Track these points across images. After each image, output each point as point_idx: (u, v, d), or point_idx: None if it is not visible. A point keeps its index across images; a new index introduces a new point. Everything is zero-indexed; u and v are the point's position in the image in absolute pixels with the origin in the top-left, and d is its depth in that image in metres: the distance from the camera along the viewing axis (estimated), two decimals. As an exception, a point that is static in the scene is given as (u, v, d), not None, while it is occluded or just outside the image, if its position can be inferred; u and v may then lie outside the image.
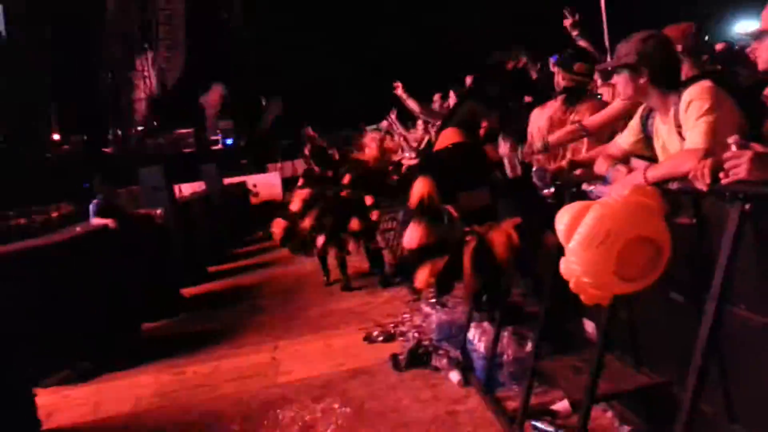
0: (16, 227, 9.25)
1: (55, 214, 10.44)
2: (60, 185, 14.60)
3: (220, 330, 5.88)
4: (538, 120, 4.03)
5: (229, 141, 24.60)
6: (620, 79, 2.43)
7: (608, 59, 4.63)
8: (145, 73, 22.80)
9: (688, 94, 2.25)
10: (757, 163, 1.77)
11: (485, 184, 3.82)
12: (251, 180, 17.49)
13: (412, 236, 3.58)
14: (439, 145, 3.79)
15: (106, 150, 22.35)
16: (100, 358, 5.05)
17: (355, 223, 6.41)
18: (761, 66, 2.31)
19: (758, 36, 2.30)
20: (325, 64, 24.77)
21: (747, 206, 1.78)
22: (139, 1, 22.63)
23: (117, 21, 22.42)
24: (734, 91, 2.29)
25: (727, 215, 1.84)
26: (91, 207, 6.38)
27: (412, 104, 6.63)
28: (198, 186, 12.83)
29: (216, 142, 24.29)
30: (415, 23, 23.66)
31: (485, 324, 4.01)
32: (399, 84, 6.53)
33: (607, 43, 5.01)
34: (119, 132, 23.03)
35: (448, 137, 3.72)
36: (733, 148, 1.84)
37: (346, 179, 6.62)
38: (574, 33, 4.75)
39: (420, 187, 3.62)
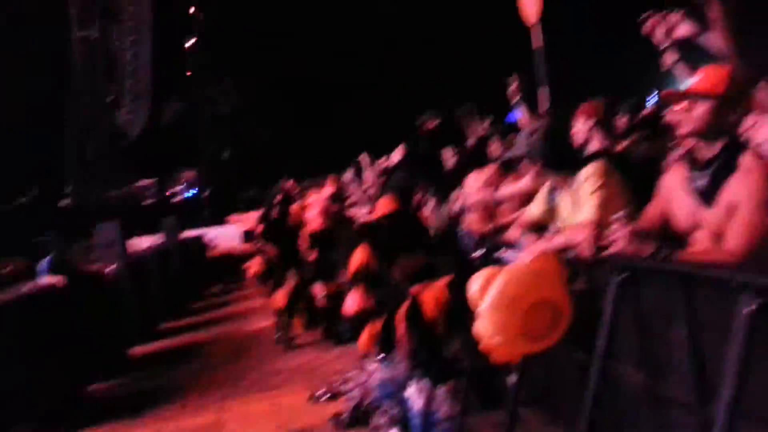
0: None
1: (7, 270, 10.22)
2: (13, 239, 14.34)
3: (168, 390, 5.85)
4: (473, 184, 4.30)
5: (192, 192, 24.58)
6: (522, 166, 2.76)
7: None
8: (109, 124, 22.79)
9: (585, 171, 2.54)
10: (635, 238, 2.01)
11: (423, 247, 4.02)
12: (211, 233, 17.47)
13: (351, 303, 3.77)
14: (376, 213, 4.01)
15: (62, 203, 22.05)
16: (43, 421, 4.98)
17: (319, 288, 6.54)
18: (685, 131, 2.24)
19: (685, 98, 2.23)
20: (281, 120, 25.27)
21: (624, 276, 2.01)
22: (104, 52, 22.76)
23: (83, 74, 22.47)
24: (625, 168, 2.56)
25: (610, 283, 2.07)
26: (41, 264, 6.37)
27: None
28: (156, 239, 12.79)
29: (178, 193, 24.31)
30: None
31: (423, 381, 4.14)
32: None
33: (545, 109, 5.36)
34: (77, 184, 22.79)
35: (385, 205, 3.94)
36: (615, 224, 2.08)
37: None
38: (516, 98, 5.11)
39: (358, 256, 3.84)
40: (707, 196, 2.04)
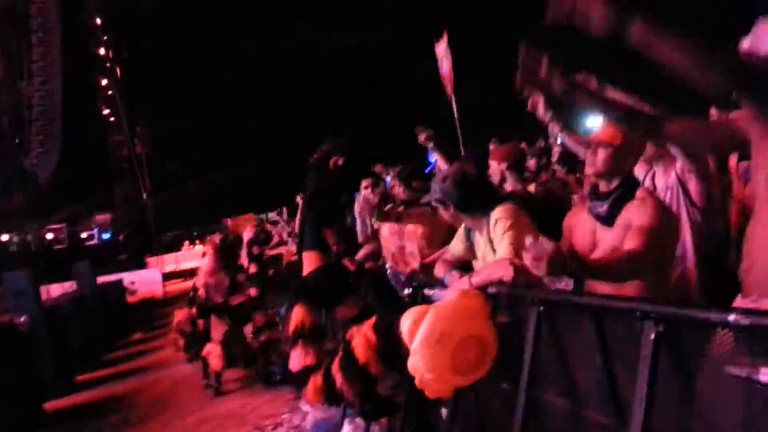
0: None
1: None
2: None
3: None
4: (386, 232, 4.49)
5: (106, 236, 23.62)
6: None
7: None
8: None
9: (496, 213, 2.77)
10: (552, 263, 2.17)
11: (354, 293, 4.11)
12: (129, 277, 16.82)
13: (296, 360, 3.82)
14: (305, 270, 4.07)
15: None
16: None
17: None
18: (589, 171, 2.52)
19: (589, 145, 2.55)
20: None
21: (541, 309, 2.18)
22: (11, 95, 21.74)
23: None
24: (532, 208, 2.82)
25: (529, 316, 2.23)
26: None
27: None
28: (69, 286, 12.17)
29: (91, 237, 23.25)
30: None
31: (357, 419, 4.18)
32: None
33: (462, 152, 5.66)
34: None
35: (310, 261, 4.01)
36: (531, 249, 2.23)
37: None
38: (429, 145, 5.35)
39: (297, 315, 3.93)
40: (606, 220, 2.37)
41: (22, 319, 6.87)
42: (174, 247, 25.36)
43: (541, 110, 2.92)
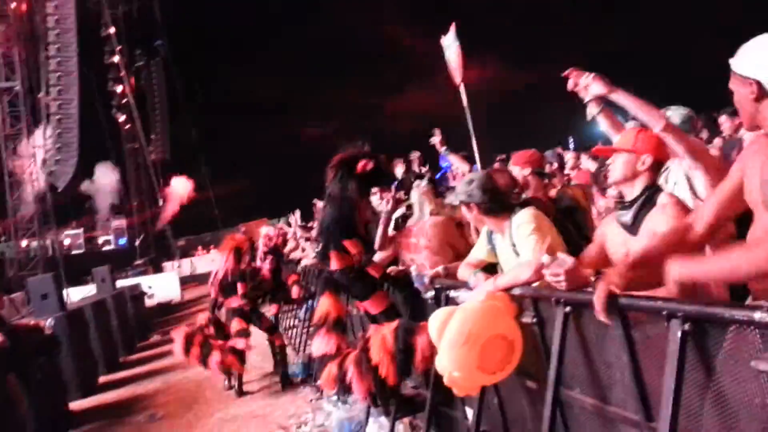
0: None
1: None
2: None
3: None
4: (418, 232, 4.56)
5: (122, 241, 23.88)
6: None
7: (477, 168, 5.32)
8: (33, 174, 21.93)
9: (518, 218, 2.84)
10: (573, 276, 2.25)
11: (381, 289, 4.18)
12: (146, 281, 17.00)
13: (320, 346, 3.91)
14: (332, 266, 4.10)
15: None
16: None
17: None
18: (611, 179, 2.60)
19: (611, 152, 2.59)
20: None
21: (567, 309, 2.25)
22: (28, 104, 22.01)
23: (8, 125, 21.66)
24: (551, 212, 2.92)
25: (555, 316, 2.29)
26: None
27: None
28: (89, 290, 12.34)
29: (108, 242, 23.55)
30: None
31: (382, 418, 4.26)
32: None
33: (476, 155, 5.69)
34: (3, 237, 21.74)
35: (337, 259, 4.04)
36: (551, 265, 2.30)
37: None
38: (442, 149, 5.43)
39: (323, 304, 4.02)
40: (632, 229, 2.39)
41: (48, 321, 7.00)
42: (188, 252, 25.64)
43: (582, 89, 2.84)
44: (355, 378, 3.65)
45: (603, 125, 2.93)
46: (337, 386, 3.86)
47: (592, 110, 2.89)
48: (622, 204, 2.48)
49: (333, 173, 4.11)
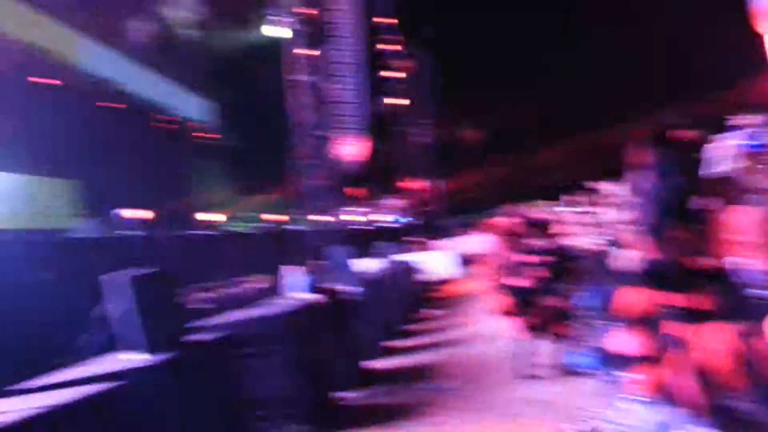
0: (226, 297, 10.36)
1: (255, 286, 11.43)
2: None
3: (407, 406, 6.14)
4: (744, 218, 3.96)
5: (401, 220, 25.92)
6: None
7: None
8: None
9: None
10: None
11: (700, 287, 3.77)
12: (419, 258, 18.10)
13: (631, 344, 3.65)
14: (642, 254, 3.77)
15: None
16: (308, 422, 5.54)
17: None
18: None
19: None
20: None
21: None
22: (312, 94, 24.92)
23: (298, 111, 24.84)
24: None
25: None
26: (293, 281, 7.09)
27: None
28: (379, 262, 13.62)
29: (386, 221, 25.84)
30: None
31: (698, 429, 3.85)
32: None
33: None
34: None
35: (648, 248, 3.69)
36: None
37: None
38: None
39: (640, 298, 3.72)
40: None
41: (351, 289, 7.85)
42: (460, 232, 26.65)
43: None
44: (679, 384, 3.34)
45: None
46: (654, 390, 3.59)
47: None
48: None
49: (656, 151, 3.75)
